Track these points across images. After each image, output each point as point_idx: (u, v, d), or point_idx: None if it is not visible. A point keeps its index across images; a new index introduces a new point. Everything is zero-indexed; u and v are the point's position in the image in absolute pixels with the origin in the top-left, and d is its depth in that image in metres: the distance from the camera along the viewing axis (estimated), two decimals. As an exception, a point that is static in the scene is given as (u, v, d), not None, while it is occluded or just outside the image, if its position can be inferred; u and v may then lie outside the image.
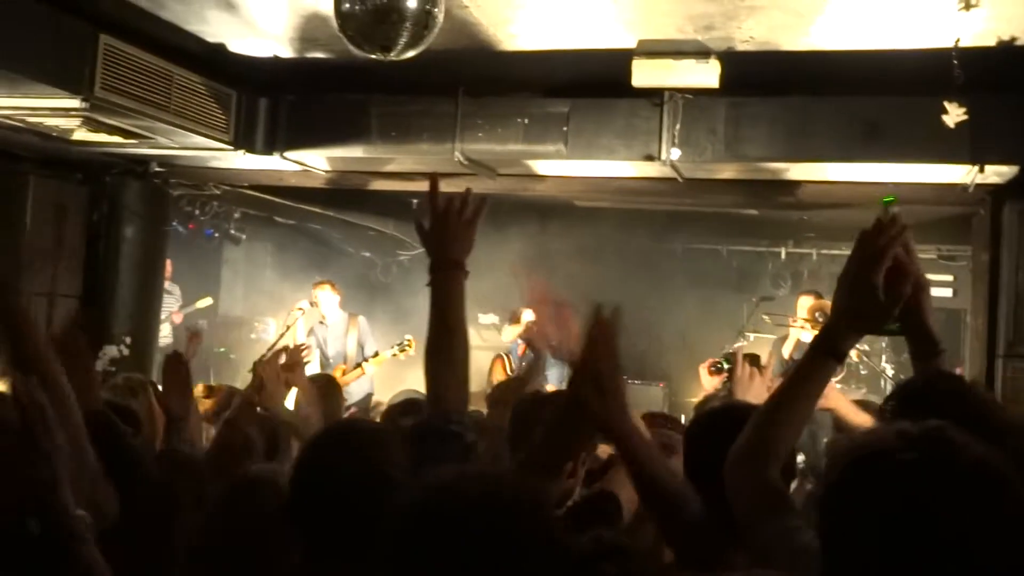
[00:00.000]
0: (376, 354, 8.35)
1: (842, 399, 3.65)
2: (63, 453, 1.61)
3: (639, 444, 2.01)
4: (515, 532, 1.40)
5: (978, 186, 6.26)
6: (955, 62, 5.23)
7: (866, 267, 1.78)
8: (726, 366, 4.85)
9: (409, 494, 1.48)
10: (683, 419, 6.88)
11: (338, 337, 8.83)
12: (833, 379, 3.64)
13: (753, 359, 3.34)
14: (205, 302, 10.09)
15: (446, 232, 2.20)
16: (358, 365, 8.39)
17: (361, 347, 8.79)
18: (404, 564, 1.41)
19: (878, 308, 1.78)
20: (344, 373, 8.25)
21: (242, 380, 8.60)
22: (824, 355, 1.82)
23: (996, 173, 6.05)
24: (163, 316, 9.00)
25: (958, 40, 5.17)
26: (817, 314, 7.74)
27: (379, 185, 8.01)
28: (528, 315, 8.39)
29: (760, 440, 1.81)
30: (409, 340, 8.34)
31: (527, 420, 2.78)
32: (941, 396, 1.82)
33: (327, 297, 8.92)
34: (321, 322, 8.97)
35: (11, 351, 2.31)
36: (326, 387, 5.29)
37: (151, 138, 6.66)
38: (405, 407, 4.44)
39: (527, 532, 1.41)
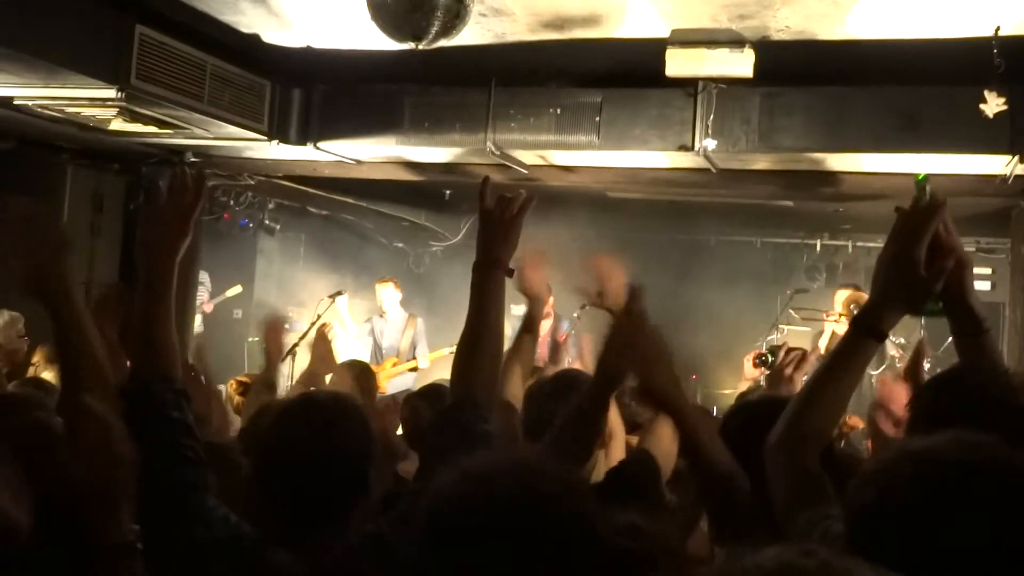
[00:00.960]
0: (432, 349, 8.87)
1: None
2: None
3: (696, 419, 2.03)
4: (555, 525, 1.38)
5: (1017, 177, 6.16)
6: (995, 51, 5.14)
7: (907, 243, 1.75)
8: (771, 359, 4.77)
9: (441, 484, 1.46)
10: (714, 411, 6.84)
11: (395, 332, 9.23)
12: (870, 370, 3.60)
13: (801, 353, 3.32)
14: (235, 291, 10.15)
15: (493, 231, 2.22)
16: (412, 359, 8.87)
17: (414, 346, 9.18)
18: (438, 558, 1.40)
19: (920, 284, 1.75)
20: (395, 365, 8.74)
21: (278, 375, 8.68)
22: (864, 334, 1.79)
23: (1036, 164, 5.95)
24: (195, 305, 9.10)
25: (998, 28, 5.08)
26: (852, 307, 7.67)
27: (412, 176, 8.02)
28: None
29: (798, 424, 1.79)
30: None
31: (542, 404, 2.79)
32: (971, 392, 1.78)
33: (389, 293, 9.35)
34: (381, 315, 9.37)
35: (52, 321, 2.34)
36: (361, 374, 5.33)
37: (186, 128, 6.71)
38: (425, 391, 4.47)
39: (566, 524, 1.39)
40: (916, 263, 1.74)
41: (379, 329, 9.33)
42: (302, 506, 1.97)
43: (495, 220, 2.23)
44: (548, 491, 1.40)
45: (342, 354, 6.30)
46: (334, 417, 2.05)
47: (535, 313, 3.39)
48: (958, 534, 1.23)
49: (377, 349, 9.22)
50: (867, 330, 1.78)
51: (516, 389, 3.16)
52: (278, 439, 2.05)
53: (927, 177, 1.91)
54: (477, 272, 2.22)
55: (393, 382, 8.83)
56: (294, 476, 1.99)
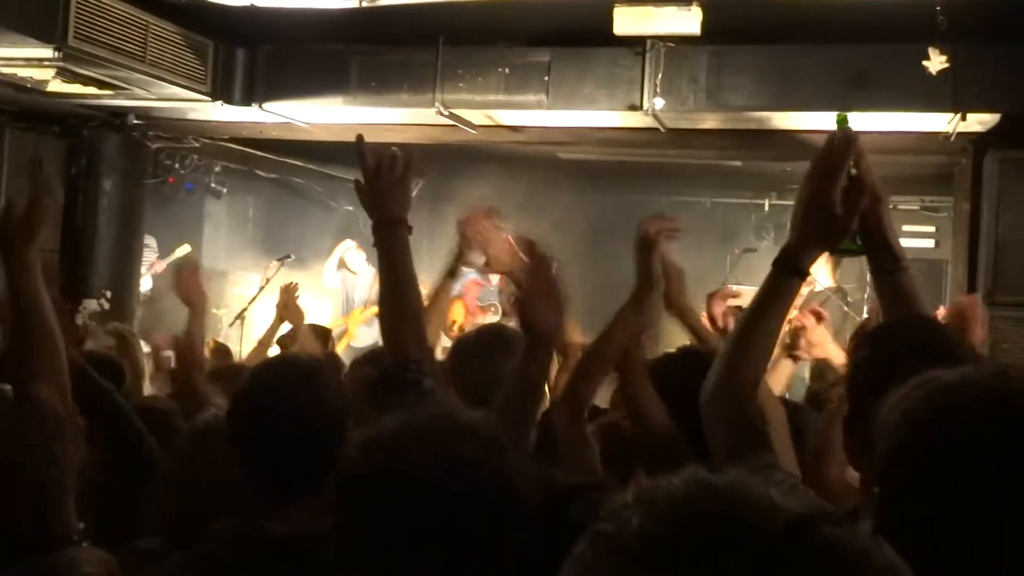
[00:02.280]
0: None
1: (831, 347, 3.67)
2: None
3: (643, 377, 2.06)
4: (475, 487, 1.34)
5: (960, 135, 6.25)
6: (938, 8, 5.19)
7: (821, 183, 1.77)
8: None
9: (354, 446, 1.43)
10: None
11: (365, 287, 9.83)
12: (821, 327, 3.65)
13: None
14: (183, 250, 9.97)
15: (381, 190, 2.19)
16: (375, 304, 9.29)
17: None
18: (351, 525, 1.36)
19: (836, 223, 1.77)
20: (363, 311, 9.47)
21: (224, 334, 8.61)
22: (787, 274, 1.81)
23: (978, 121, 6.04)
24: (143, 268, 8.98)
25: (941, -14, 5.13)
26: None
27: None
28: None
29: (732, 371, 1.79)
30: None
31: (465, 354, 2.81)
32: (914, 339, 1.79)
33: (353, 255, 9.94)
34: (353, 273, 9.96)
35: (8, 289, 2.32)
36: (324, 338, 5.55)
37: (127, 89, 6.58)
38: (368, 356, 4.46)
39: (488, 486, 1.36)
40: (831, 202, 1.76)
41: (351, 283, 9.87)
42: (287, 476, 1.93)
43: (384, 179, 2.21)
44: (468, 453, 1.36)
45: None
46: (320, 380, 2.02)
47: (463, 258, 3.37)
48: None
49: (349, 303, 9.84)
50: (789, 270, 1.80)
51: (433, 336, 3.17)
52: (263, 405, 1.99)
53: (846, 117, 1.91)
54: (379, 233, 2.19)
55: (362, 333, 9.40)
56: (279, 444, 1.94)
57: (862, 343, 1.87)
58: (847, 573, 0.69)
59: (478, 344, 3.00)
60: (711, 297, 3.59)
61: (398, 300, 2.17)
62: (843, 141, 1.80)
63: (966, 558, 1.05)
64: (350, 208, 11.65)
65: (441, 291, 3.41)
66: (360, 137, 2.26)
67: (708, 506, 0.72)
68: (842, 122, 1.90)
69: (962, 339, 2.54)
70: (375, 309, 9.01)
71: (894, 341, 1.73)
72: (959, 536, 1.06)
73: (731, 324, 3.50)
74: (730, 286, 4.56)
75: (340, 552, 1.37)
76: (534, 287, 2.13)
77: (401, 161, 2.22)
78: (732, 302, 3.71)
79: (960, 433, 1.09)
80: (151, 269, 9.47)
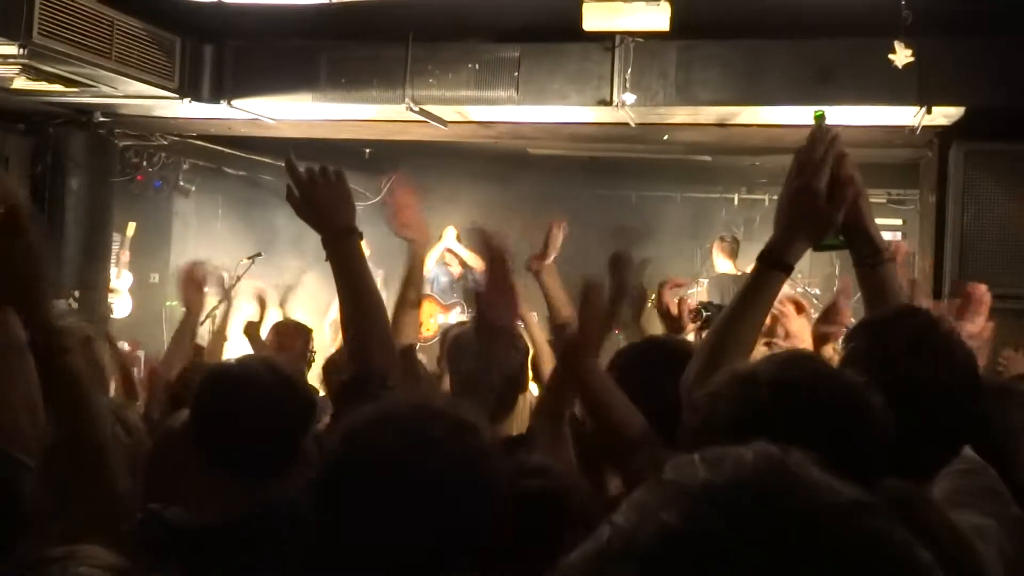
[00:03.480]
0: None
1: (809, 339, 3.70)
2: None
3: (601, 376, 2.05)
4: (445, 467, 1.37)
5: (925, 128, 6.32)
6: (903, 2, 5.25)
7: (807, 177, 1.79)
8: (705, 314, 4.81)
9: (332, 433, 1.46)
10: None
11: None
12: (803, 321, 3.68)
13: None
14: (130, 230, 9.83)
15: (322, 201, 2.19)
16: None
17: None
18: (324, 508, 1.39)
19: (821, 215, 1.79)
20: None
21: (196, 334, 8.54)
22: (770, 267, 1.82)
23: (943, 115, 6.11)
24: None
25: (906, -20, 5.19)
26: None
27: (329, 133, 7.91)
28: (449, 233, 9.51)
29: (713, 362, 1.80)
30: (379, 272, 9.46)
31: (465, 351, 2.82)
32: (907, 330, 1.79)
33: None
34: None
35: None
36: (292, 334, 5.23)
37: (93, 86, 6.52)
38: (341, 364, 4.44)
39: (457, 466, 1.38)
40: (817, 195, 1.78)
41: None
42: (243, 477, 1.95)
43: (319, 191, 2.21)
44: (438, 434, 1.39)
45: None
46: (270, 390, 2.02)
47: (417, 256, 3.36)
48: None
49: None
50: (773, 263, 1.82)
51: (412, 334, 3.18)
52: (211, 415, 2.01)
53: (823, 114, 1.94)
54: (331, 246, 2.19)
55: None
56: (233, 448, 1.96)
57: (854, 335, 1.88)
58: (897, 563, 0.68)
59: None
60: (661, 287, 3.63)
61: (359, 311, 2.17)
62: (827, 135, 1.82)
63: None
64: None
65: (406, 294, 3.38)
66: (289, 153, 2.27)
67: (774, 475, 0.70)
68: (819, 118, 1.93)
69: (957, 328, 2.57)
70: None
71: (889, 334, 1.74)
72: None
73: (684, 312, 3.54)
74: (679, 278, 4.62)
75: (320, 535, 1.39)
76: (491, 281, 2.14)
77: (332, 170, 2.24)
78: (679, 292, 3.75)
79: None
80: (118, 262, 9.39)
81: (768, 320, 3.31)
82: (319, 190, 2.20)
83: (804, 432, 1.19)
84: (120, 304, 9.13)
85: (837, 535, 0.67)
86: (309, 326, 5.58)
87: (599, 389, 2.04)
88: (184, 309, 4.20)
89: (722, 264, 9.32)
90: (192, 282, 4.08)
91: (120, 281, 9.24)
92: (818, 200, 1.79)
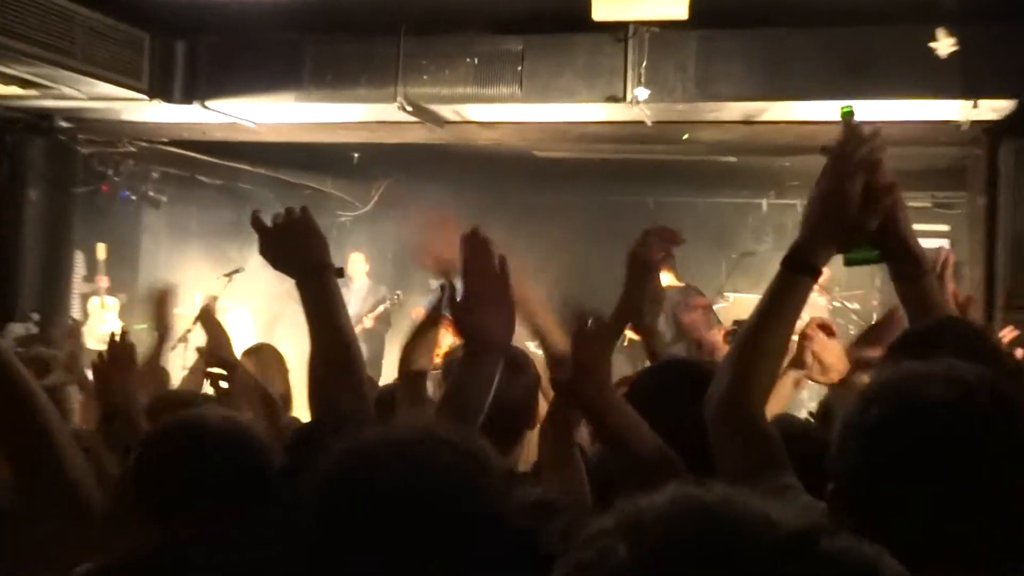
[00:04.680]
0: (373, 307, 10.32)
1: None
2: None
3: (608, 399, 2.04)
4: (449, 499, 1.40)
5: (973, 124, 6.33)
6: (946, -14, 5.28)
7: (839, 178, 1.81)
8: None
9: (331, 458, 1.48)
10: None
11: (358, 300, 10.35)
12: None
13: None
14: (101, 252, 9.86)
15: (290, 242, 2.23)
16: (358, 322, 9.81)
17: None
18: (330, 531, 1.41)
19: (853, 221, 1.81)
20: None
21: (165, 358, 8.56)
22: (797, 272, 1.84)
23: (992, 109, 6.12)
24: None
25: (948, -39, 5.21)
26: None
27: (314, 137, 7.94)
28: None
29: (740, 380, 1.81)
30: (398, 294, 10.36)
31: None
32: (951, 343, 1.80)
33: (358, 262, 10.51)
34: (346, 285, 10.28)
35: None
36: (266, 359, 5.26)
37: (54, 88, 6.57)
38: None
39: (462, 498, 1.41)
40: (849, 200, 1.80)
41: (345, 297, 9.91)
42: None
43: (287, 231, 2.25)
44: (444, 462, 1.42)
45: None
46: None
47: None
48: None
49: None
50: (800, 268, 1.83)
51: (425, 361, 3.20)
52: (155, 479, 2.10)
53: (852, 110, 1.96)
54: (306, 287, 2.23)
55: None
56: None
57: (892, 351, 1.89)
58: None
59: None
60: (682, 306, 3.63)
61: (330, 353, 2.20)
62: (865, 134, 1.84)
63: None
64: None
65: (433, 319, 3.41)
66: (254, 212, 2.31)
67: (699, 527, 0.74)
68: (847, 115, 1.94)
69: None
70: (365, 323, 9.38)
71: (931, 348, 1.74)
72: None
73: (703, 332, 3.54)
74: (699, 297, 4.67)
75: (315, 562, 1.41)
76: (474, 284, 2.13)
77: (295, 210, 2.28)
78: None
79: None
80: (98, 290, 9.40)
81: (795, 349, 3.31)
82: (286, 232, 2.24)
83: None
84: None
85: (792, 563, 0.70)
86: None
87: (606, 414, 2.04)
88: (156, 334, 4.24)
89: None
90: (167, 306, 4.14)
91: (109, 315, 9.25)
92: (849, 206, 1.80)
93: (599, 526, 0.77)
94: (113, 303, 9.47)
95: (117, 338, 3.66)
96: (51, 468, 1.93)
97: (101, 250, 9.55)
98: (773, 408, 3.14)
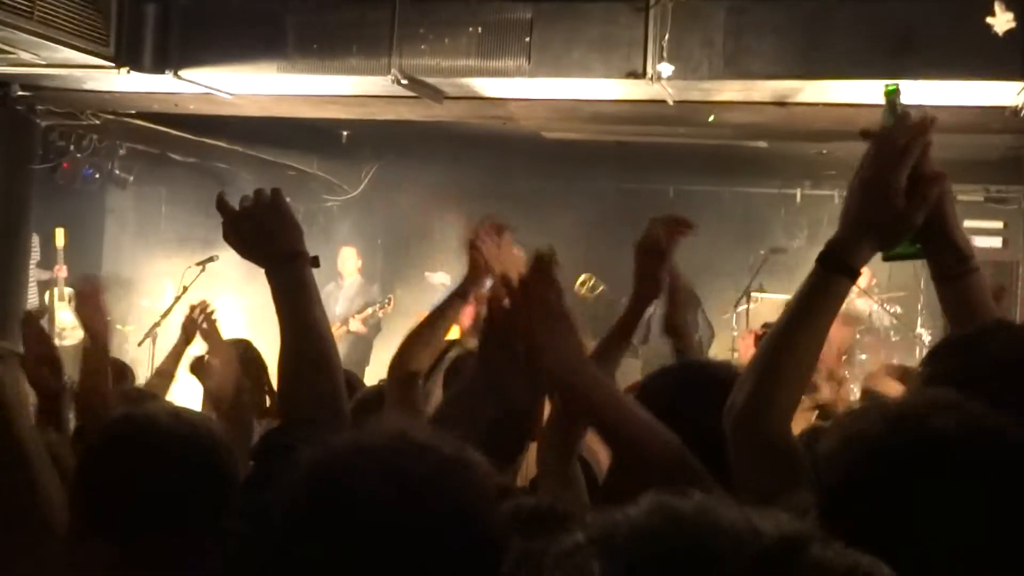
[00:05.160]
0: (362, 309, 10.41)
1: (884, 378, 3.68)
2: None
3: (600, 388, 2.02)
4: (429, 511, 1.40)
5: (1031, 109, 6.33)
6: (1004, -46, 5.26)
7: (884, 167, 1.79)
8: None
9: (302, 464, 1.49)
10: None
11: (346, 299, 10.60)
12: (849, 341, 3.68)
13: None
14: (60, 238, 9.84)
15: (259, 228, 2.23)
16: (343, 324, 10.12)
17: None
18: (291, 552, 1.42)
19: (898, 215, 1.79)
20: (337, 328, 9.85)
21: (131, 356, 8.58)
22: (833, 272, 1.83)
23: (1053, 93, 6.12)
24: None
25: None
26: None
27: (299, 112, 7.94)
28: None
29: (764, 389, 1.79)
30: (390, 298, 10.43)
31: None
32: (996, 348, 1.78)
33: (350, 258, 10.66)
34: (337, 283, 10.65)
35: None
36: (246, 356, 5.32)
37: (10, 53, 6.57)
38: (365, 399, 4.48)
39: (444, 510, 1.41)
40: (895, 191, 1.78)
41: (334, 296, 10.40)
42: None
43: (255, 218, 2.25)
44: (422, 473, 1.42)
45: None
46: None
47: (475, 281, 3.40)
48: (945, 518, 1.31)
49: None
50: (837, 267, 1.82)
51: (424, 362, 3.20)
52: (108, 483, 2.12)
53: (897, 88, 1.94)
54: (278, 277, 2.22)
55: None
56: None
57: (934, 357, 1.87)
58: None
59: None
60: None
61: (302, 350, 2.20)
62: (911, 119, 1.82)
63: None
64: (287, 200, 11.67)
65: (445, 314, 3.42)
66: (220, 193, 2.31)
67: (675, 540, 0.75)
68: (891, 94, 1.93)
69: None
70: (340, 331, 9.45)
71: (974, 353, 1.73)
72: None
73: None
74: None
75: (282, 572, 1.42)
76: (542, 313, 1.99)
77: (264, 192, 2.27)
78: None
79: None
80: (56, 281, 9.39)
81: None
82: (254, 217, 2.24)
83: None
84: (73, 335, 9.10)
85: (775, 572, 0.72)
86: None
87: (601, 402, 2.02)
88: (88, 335, 4.15)
89: None
90: (91, 300, 4.03)
91: (65, 312, 9.21)
92: (894, 198, 1.78)
93: (572, 541, 0.78)
94: (71, 293, 9.47)
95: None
96: (21, 483, 1.95)
97: (60, 235, 9.55)
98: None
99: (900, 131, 1.82)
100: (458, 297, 3.43)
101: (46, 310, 8.84)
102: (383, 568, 1.38)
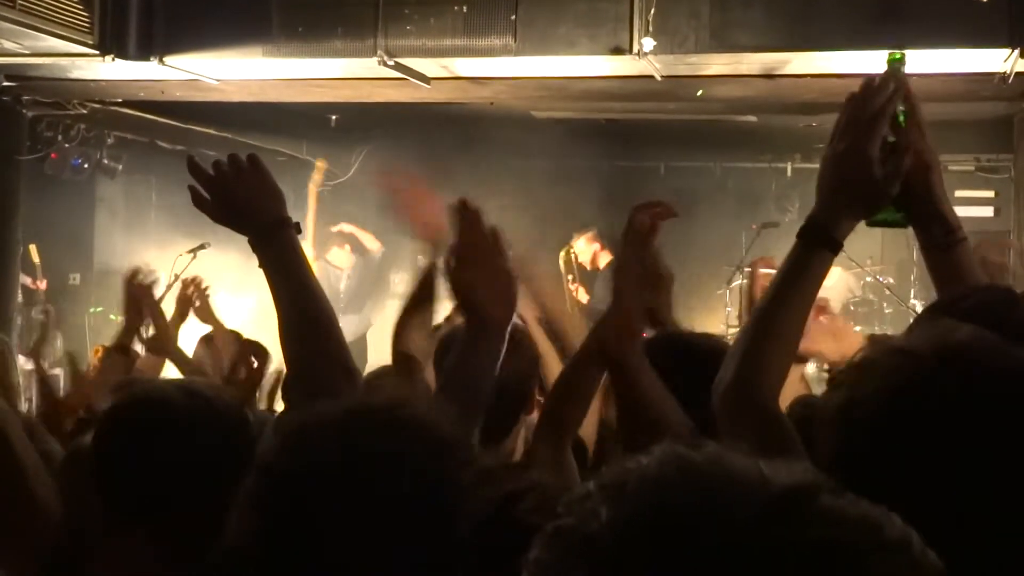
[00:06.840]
0: None
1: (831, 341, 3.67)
2: None
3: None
4: (413, 490, 1.37)
5: (1019, 75, 6.30)
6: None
7: (858, 135, 1.77)
8: None
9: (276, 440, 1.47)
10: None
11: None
12: (831, 319, 3.66)
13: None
14: (34, 254, 9.76)
15: (239, 197, 2.20)
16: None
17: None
18: (270, 520, 1.40)
19: (873, 185, 1.77)
20: None
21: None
22: (815, 246, 1.81)
23: (1042, 59, 6.10)
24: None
25: None
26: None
27: (286, 96, 7.91)
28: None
29: (752, 361, 1.80)
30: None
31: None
32: (982, 311, 1.78)
33: (337, 250, 10.61)
34: (337, 269, 10.52)
35: None
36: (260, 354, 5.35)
37: (-7, 42, 6.54)
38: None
39: (427, 488, 1.38)
40: (866, 162, 1.76)
41: (333, 280, 10.41)
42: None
43: (229, 184, 2.22)
44: (403, 449, 1.39)
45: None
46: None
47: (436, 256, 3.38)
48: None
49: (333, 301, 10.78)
50: (817, 240, 1.80)
51: (420, 341, 3.19)
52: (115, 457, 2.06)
53: (903, 57, 1.91)
54: (262, 246, 2.19)
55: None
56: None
57: (920, 321, 1.88)
58: (851, 544, 0.73)
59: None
60: (753, 269, 3.60)
61: (302, 319, 2.18)
62: (887, 83, 1.80)
63: None
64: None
65: (423, 288, 3.41)
66: (191, 156, 2.29)
67: (686, 487, 0.75)
68: (895, 63, 1.90)
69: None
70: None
71: (961, 317, 1.73)
72: None
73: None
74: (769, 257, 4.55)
75: (257, 552, 1.40)
76: (469, 258, 2.11)
77: (240, 157, 2.25)
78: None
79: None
80: (36, 297, 9.32)
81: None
82: (232, 183, 2.21)
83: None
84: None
85: (785, 521, 0.73)
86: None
87: (646, 383, 2.05)
88: (124, 323, 4.22)
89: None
90: (139, 293, 4.13)
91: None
92: (869, 167, 1.76)
93: (582, 491, 0.78)
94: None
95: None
96: (15, 486, 1.94)
97: (34, 252, 9.40)
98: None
99: (871, 96, 1.79)
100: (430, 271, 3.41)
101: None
102: (346, 553, 1.35)
